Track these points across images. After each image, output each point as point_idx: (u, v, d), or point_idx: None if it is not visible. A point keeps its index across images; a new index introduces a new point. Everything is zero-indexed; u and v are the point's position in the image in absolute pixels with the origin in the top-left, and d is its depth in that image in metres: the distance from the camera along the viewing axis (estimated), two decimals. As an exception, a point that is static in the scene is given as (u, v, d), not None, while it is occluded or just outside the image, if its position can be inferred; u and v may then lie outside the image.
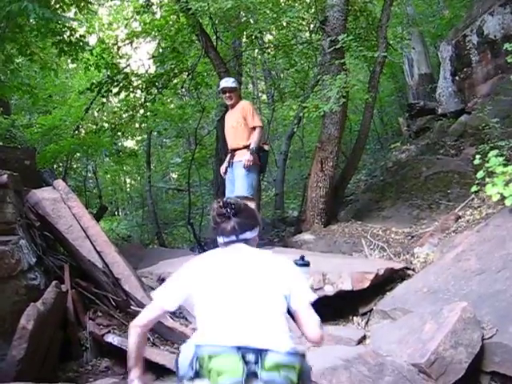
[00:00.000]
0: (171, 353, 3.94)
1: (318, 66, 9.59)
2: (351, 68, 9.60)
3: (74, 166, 13.96)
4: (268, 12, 8.58)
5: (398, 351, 3.47)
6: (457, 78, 10.61)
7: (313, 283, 2.45)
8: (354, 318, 4.62)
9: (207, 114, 13.57)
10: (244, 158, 5.77)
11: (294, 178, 14.84)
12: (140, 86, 9.95)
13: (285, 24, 9.34)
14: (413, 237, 6.36)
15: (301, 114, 8.24)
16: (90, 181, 15.54)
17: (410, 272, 5.13)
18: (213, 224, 2.26)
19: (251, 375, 1.85)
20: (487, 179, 4.75)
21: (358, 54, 7.36)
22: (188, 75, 10.03)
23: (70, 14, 8.98)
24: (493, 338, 3.32)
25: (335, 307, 4.51)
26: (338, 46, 6.94)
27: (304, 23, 10.67)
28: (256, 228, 2.28)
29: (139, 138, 16.06)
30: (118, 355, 4.04)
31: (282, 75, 13.77)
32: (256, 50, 12.04)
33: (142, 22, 10.15)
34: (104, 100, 10.68)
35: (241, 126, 5.88)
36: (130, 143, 17.07)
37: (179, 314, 4.52)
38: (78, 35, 8.55)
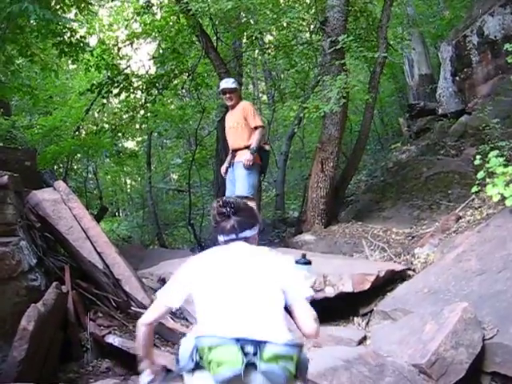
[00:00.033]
0: (172, 354, 3.93)
1: (318, 67, 9.60)
2: (351, 68, 9.60)
3: (75, 167, 13.96)
4: (268, 13, 8.60)
5: (399, 352, 3.47)
6: (457, 78, 10.61)
7: (315, 280, 2.48)
8: (355, 318, 4.62)
9: (207, 115, 13.59)
10: (244, 157, 5.77)
11: (295, 178, 14.85)
12: (140, 86, 9.96)
13: (285, 25, 9.35)
14: (413, 237, 6.36)
15: (301, 115, 8.24)
16: (91, 182, 15.55)
17: (410, 272, 5.13)
18: (213, 223, 2.33)
19: (250, 366, 1.90)
20: (488, 180, 4.75)
21: (359, 55, 7.37)
22: (188, 76, 10.05)
23: (71, 15, 9.00)
24: (493, 339, 3.32)
25: (336, 308, 4.51)
26: (338, 47, 6.94)
27: (304, 24, 10.67)
28: (255, 226, 2.33)
29: (139, 138, 16.10)
30: (119, 356, 4.05)
31: (282, 76, 13.79)
32: (256, 51, 12.06)
33: (143, 23, 10.16)
34: (104, 101, 10.70)
35: (241, 126, 5.88)
36: (130, 144, 17.10)
37: (180, 314, 4.53)
38: (78, 36, 8.57)
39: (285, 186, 12.06)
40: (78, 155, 12.33)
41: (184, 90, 11.85)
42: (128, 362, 4.01)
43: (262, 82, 17.51)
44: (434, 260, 5.21)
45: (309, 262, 2.54)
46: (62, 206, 4.73)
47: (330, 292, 4.48)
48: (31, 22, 7.31)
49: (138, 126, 12.73)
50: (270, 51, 11.14)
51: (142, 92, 10.05)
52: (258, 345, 1.93)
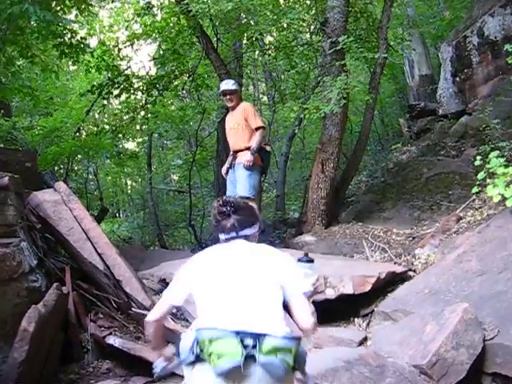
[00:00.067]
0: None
1: (318, 68, 9.60)
2: (352, 69, 9.60)
3: (75, 168, 13.97)
4: (268, 14, 8.60)
5: (400, 352, 3.46)
6: (457, 79, 10.61)
7: (318, 278, 2.51)
8: (355, 319, 4.61)
9: (208, 116, 13.60)
10: (244, 158, 5.77)
11: (295, 179, 14.86)
12: (141, 87, 9.97)
13: (285, 26, 9.35)
14: (414, 238, 6.36)
15: (301, 116, 8.23)
16: (91, 183, 15.56)
17: (411, 273, 5.13)
18: (214, 222, 2.40)
19: (249, 358, 1.96)
20: (488, 180, 4.75)
21: (359, 56, 7.37)
22: (189, 77, 10.05)
23: (71, 17, 9.01)
24: (494, 339, 3.31)
25: (336, 309, 4.51)
26: (338, 48, 6.94)
27: (304, 25, 10.68)
28: (255, 225, 2.41)
29: (140, 139, 16.09)
30: (120, 357, 4.05)
31: (282, 77, 13.79)
32: (257, 52, 12.05)
33: (143, 24, 10.17)
34: (105, 102, 10.70)
35: (242, 127, 5.87)
36: (130, 145, 17.11)
37: (180, 315, 4.53)
38: (78, 37, 8.57)
39: (285, 186, 12.06)
40: (79, 156, 12.34)
41: (184, 91, 11.86)
42: (128, 363, 4.02)
43: (262, 83, 17.51)
44: (435, 261, 5.20)
45: (311, 260, 2.60)
46: (62, 207, 4.74)
47: (330, 294, 4.48)
48: (32, 23, 7.32)
49: (138, 127, 12.72)
50: (270, 52, 11.13)
51: (143, 93, 10.06)
52: (258, 337, 1.98)
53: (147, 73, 11.27)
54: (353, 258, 6.14)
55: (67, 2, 7.84)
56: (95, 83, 9.98)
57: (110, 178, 17.56)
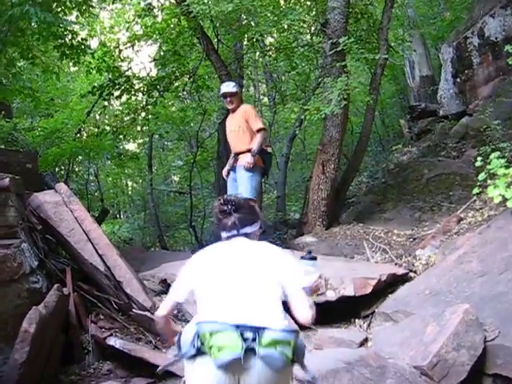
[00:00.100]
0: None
1: (319, 69, 9.60)
2: (352, 70, 9.61)
3: (76, 169, 13.99)
4: (269, 15, 8.60)
5: (400, 353, 3.46)
6: (458, 79, 10.61)
7: (320, 275, 2.56)
8: (356, 320, 4.62)
9: (208, 117, 13.60)
10: (245, 160, 5.77)
11: (296, 180, 14.86)
12: (141, 89, 9.98)
13: (286, 27, 9.33)
14: (415, 239, 6.36)
15: (302, 117, 8.24)
16: (92, 184, 15.57)
17: (411, 274, 5.13)
18: (216, 220, 2.49)
19: (249, 351, 2.01)
20: (489, 181, 4.75)
21: (359, 57, 7.38)
22: (189, 78, 10.07)
23: (72, 18, 9.00)
24: (495, 340, 3.31)
25: (337, 310, 4.51)
26: (339, 49, 6.94)
27: (305, 26, 10.68)
28: (256, 223, 2.47)
29: (141, 140, 16.10)
30: (120, 358, 4.05)
31: (283, 78, 13.80)
32: (257, 53, 12.05)
33: (144, 26, 10.18)
34: (106, 103, 10.71)
35: (243, 129, 5.87)
36: (131, 146, 17.14)
37: (181, 316, 4.53)
38: (79, 39, 8.57)
39: (286, 187, 12.06)
40: (80, 157, 12.36)
41: (185, 92, 11.86)
42: (129, 364, 4.02)
43: (262, 84, 17.51)
44: (436, 262, 5.21)
45: (314, 258, 2.65)
46: (63, 208, 4.74)
47: (331, 296, 4.49)
48: (32, 24, 7.32)
49: (139, 128, 12.72)
50: (270, 53, 11.14)
51: (143, 94, 10.07)
52: (257, 331, 2.03)
53: (148, 74, 11.26)
54: (353, 258, 6.14)
55: (68, 4, 7.84)
56: (96, 84, 9.98)
57: (110, 179, 17.57)
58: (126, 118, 10.40)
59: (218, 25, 9.26)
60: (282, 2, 10.25)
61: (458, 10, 13.66)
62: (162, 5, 9.88)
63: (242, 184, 5.79)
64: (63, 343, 4.07)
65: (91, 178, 15.13)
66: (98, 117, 14.11)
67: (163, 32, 9.71)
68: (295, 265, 2.37)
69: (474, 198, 6.34)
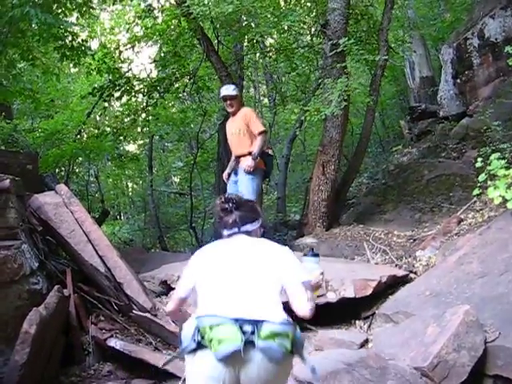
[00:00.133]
0: (174, 357, 3.94)
1: (319, 70, 9.61)
2: (352, 71, 9.62)
3: (76, 171, 13.99)
4: (269, 16, 8.61)
5: (401, 355, 3.46)
6: (458, 80, 10.61)
7: (323, 272, 2.60)
8: (357, 321, 4.61)
9: (209, 118, 13.61)
10: (245, 163, 5.78)
11: (296, 181, 14.86)
12: (142, 90, 9.98)
13: (286, 28, 9.35)
14: (415, 240, 6.35)
15: (302, 118, 8.24)
16: (92, 185, 15.57)
17: (412, 275, 5.13)
18: (217, 218, 2.57)
19: (249, 344, 2.06)
20: (489, 182, 4.74)
21: (359, 58, 7.38)
22: (190, 79, 10.07)
23: (72, 19, 8.99)
24: (496, 341, 3.31)
25: (337, 311, 4.51)
26: (339, 50, 6.95)
27: (305, 27, 10.71)
28: (257, 221, 2.53)
29: (141, 142, 16.10)
30: (121, 359, 4.05)
31: (283, 79, 13.80)
32: (257, 54, 12.05)
33: (144, 27, 10.17)
34: (106, 104, 10.72)
35: (243, 133, 5.87)
36: (131, 147, 17.14)
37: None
38: (79, 40, 8.56)
39: (286, 188, 12.06)
40: (80, 158, 12.34)
41: (185, 93, 11.85)
42: (130, 366, 4.02)
43: (263, 85, 17.52)
44: (436, 263, 5.20)
45: (316, 255, 2.69)
46: (63, 209, 4.74)
47: (331, 297, 4.48)
48: (33, 26, 7.32)
49: (139, 130, 12.73)
50: (271, 54, 11.16)
51: (144, 95, 10.07)
52: (256, 324, 2.08)
53: (148, 75, 11.25)
54: (354, 260, 6.14)
55: (68, 5, 7.84)
56: (96, 85, 9.98)
57: (111, 180, 17.57)
58: (126, 119, 10.39)
59: (218, 26, 9.26)
60: (282, 3, 10.27)
61: (458, 11, 13.67)
62: (162, 6, 9.87)
63: (242, 186, 5.79)
64: (63, 344, 4.08)
65: (91, 179, 15.13)
66: (98, 118, 14.12)
67: (163, 33, 9.71)
68: (295, 260, 2.40)
69: (475, 199, 6.33)
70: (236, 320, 2.08)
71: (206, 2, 7.80)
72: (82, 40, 8.76)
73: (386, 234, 6.76)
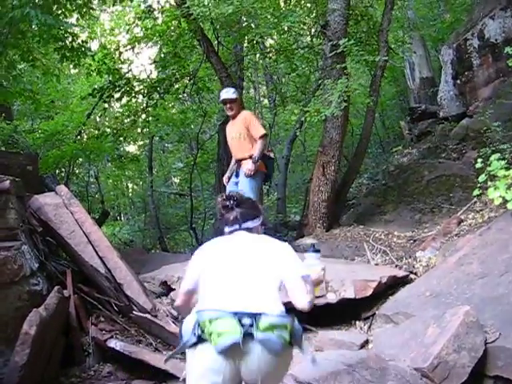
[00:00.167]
0: (174, 358, 3.93)
1: (319, 71, 9.61)
2: (352, 72, 9.61)
3: (77, 172, 14.00)
4: (269, 17, 8.61)
5: (401, 355, 3.46)
6: (458, 81, 10.62)
7: (324, 267, 2.65)
8: (357, 322, 4.61)
9: (209, 119, 13.63)
10: (246, 167, 5.79)
11: (296, 182, 14.87)
12: (142, 91, 9.98)
13: (286, 29, 9.36)
14: (415, 241, 6.35)
15: (302, 119, 8.24)
16: (92, 186, 15.57)
17: (412, 276, 5.12)
18: (218, 215, 2.61)
19: (248, 336, 2.10)
20: (489, 183, 4.74)
21: (359, 59, 7.38)
22: (190, 80, 10.07)
23: (72, 20, 9.02)
24: (496, 342, 3.30)
25: (337, 312, 4.51)
26: (339, 51, 6.96)
27: (305, 28, 10.72)
28: (257, 218, 2.59)
29: (141, 142, 16.10)
30: (121, 360, 4.05)
31: (283, 80, 13.80)
32: (257, 55, 12.07)
33: (144, 28, 10.18)
34: (106, 105, 10.73)
35: (243, 136, 5.88)
36: (131, 148, 17.13)
37: (181, 319, 4.52)
38: (79, 41, 8.57)
39: (286, 189, 12.07)
40: (80, 159, 12.36)
41: (185, 94, 11.85)
42: (130, 367, 4.02)
43: (263, 86, 17.52)
44: (436, 263, 5.20)
45: (318, 251, 2.76)
46: (63, 210, 4.74)
47: (331, 298, 4.48)
48: (33, 27, 7.33)
49: (139, 130, 12.73)
50: (271, 55, 11.17)
51: (144, 96, 10.07)
52: (254, 317, 2.12)
53: (148, 76, 11.26)
54: (354, 260, 6.13)
55: (68, 6, 7.85)
56: (96, 86, 9.99)
57: (111, 181, 17.59)
58: (126, 120, 10.39)
59: (218, 27, 9.27)
60: (282, 4, 10.27)
61: (457, 11, 13.69)
62: (162, 7, 9.87)
63: (242, 188, 5.80)
64: (64, 345, 4.07)
65: (92, 180, 15.14)
66: (98, 119, 14.12)
67: (163, 34, 9.71)
68: (294, 256, 2.44)
69: (475, 199, 6.33)
70: (235, 313, 2.12)
71: (205, 3, 7.80)
72: (82, 41, 8.77)
73: (386, 235, 6.76)
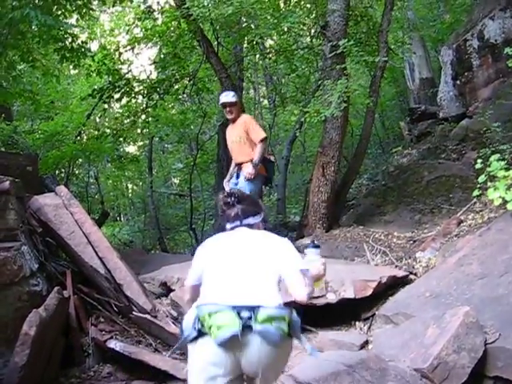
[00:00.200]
0: (174, 359, 3.93)
1: (319, 71, 9.62)
2: (352, 73, 9.61)
3: (76, 172, 13.99)
4: (269, 17, 8.60)
5: (401, 356, 3.46)
6: (458, 82, 10.62)
7: (324, 262, 2.68)
8: (357, 323, 4.61)
9: (208, 120, 13.63)
10: (246, 170, 5.80)
11: (296, 182, 14.86)
12: (141, 91, 9.98)
13: (286, 29, 9.36)
14: (415, 241, 6.35)
15: (302, 119, 8.25)
16: (92, 186, 15.57)
17: (412, 277, 5.12)
18: (220, 212, 2.67)
19: (246, 329, 2.14)
20: (489, 183, 4.74)
21: (359, 59, 7.37)
22: (189, 81, 10.07)
23: (72, 21, 9.03)
24: (496, 343, 3.30)
25: (337, 312, 4.51)
26: (338, 51, 6.95)
27: (305, 28, 10.71)
28: (258, 215, 2.62)
29: (141, 143, 16.11)
30: (121, 361, 4.04)
31: (283, 80, 13.80)
32: (257, 56, 12.07)
33: (144, 28, 10.18)
34: (106, 106, 10.72)
35: (243, 140, 5.89)
36: (131, 149, 17.12)
37: (181, 319, 4.52)
38: (79, 41, 8.58)
39: (286, 190, 12.06)
40: (80, 160, 12.36)
41: (185, 95, 11.86)
42: (130, 367, 4.01)
43: (262, 87, 17.52)
44: (436, 264, 5.20)
45: (318, 246, 2.79)
46: (63, 211, 4.74)
47: (331, 298, 4.48)
48: (33, 27, 7.34)
49: (139, 131, 12.74)
50: (270, 56, 11.16)
51: (144, 97, 10.07)
52: (253, 309, 2.16)
53: (148, 77, 11.26)
54: (354, 261, 6.13)
55: (68, 7, 7.85)
56: (96, 87, 10.00)
57: (110, 181, 17.58)
58: (126, 121, 10.39)
59: (217, 27, 9.27)
60: (281, 5, 10.27)
61: (457, 12, 13.69)
62: (161, 8, 9.88)
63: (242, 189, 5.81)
64: (63, 346, 4.07)
65: (91, 180, 15.13)
66: (98, 119, 14.13)
67: (163, 35, 9.71)
68: (293, 251, 2.48)
69: (474, 200, 6.33)
70: (234, 307, 2.16)
71: (205, 4, 7.81)
72: (82, 42, 8.78)
73: (386, 236, 6.75)
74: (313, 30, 10.70)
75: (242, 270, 2.35)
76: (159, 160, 18.50)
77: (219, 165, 11.05)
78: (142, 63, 23.32)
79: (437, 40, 14.51)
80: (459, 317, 3.36)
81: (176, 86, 10.33)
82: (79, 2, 7.93)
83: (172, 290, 5.09)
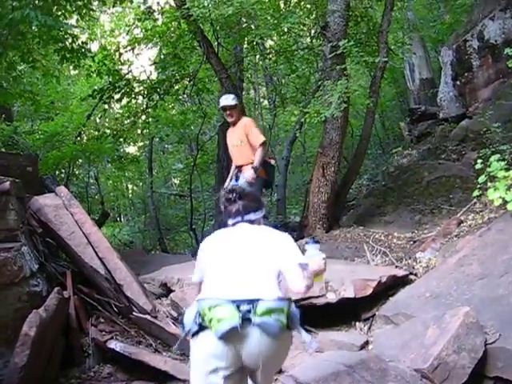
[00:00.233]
0: (174, 359, 3.93)
1: (319, 72, 9.61)
2: (352, 73, 9.61)
3: (76, 173, 13.99)
4: (269, 18, 8.61)
5: (401, 356, 3.46)
6: (458, 82, 10.62)
7: (325, 258, 2.70)
8: (357, 323, 4.61)
9: (209, 120, 13.62)
10: (246, 174, 5.81)
11: (296, 183, 14.86)
12: (142, 92, 9.99)
13: (286, 30, 9.36)
14: (415, 242, 6.35)
15: (302, 120, 8.24)
16: (92, 187, 15.57)
17: (412, 277, 5.12)
18: (222, 208, 2.69)
19: (246, 322, 2.18)
20: (489, 184, 4.73)
21: (359, 60, 7.37)
22: (189, 81, 10.07)
23: (72, 21, 9.04)
24: (496, 343, 3.30)
25: (337, 313, 4.51)
26: (338, 52, 6.95)
27: (305, 29, 10.71)
28: (260, 210, 2.67)
29: (141, 144, 16.11)
30: (121, 361, 4.04)
31: (283, 81, 13.79)
32: (257, 56, 12.06)
33: (144, 29, 10.18)
34: (106, 106, 10.73)
35: (244, 144, 5.91)
36: (131, 149, 17.12)
37: (181, 320, 4.52)
38: (79, 42, 8.58)
39: (286, 190, 12.05)
40: (80, 160, 12.36)
41: (185, 95, 11.86)
42: (130, 368, 4.01)
43: (262, 87, 17.53)
44: (436, 264, 5.20)
45: (318, 242, 2.81)
46: (63, 211, 4.74)
47: (331, 298, 4.48)
48: (33, 28, 7.33)
49: (139, 132, 12.73)
50: (270, 56, 11.16)
51: (144, 97, 10.08)
52: (252, 303, 2.20)
53: (148, 77, 11.25)
54: (354, 261, 6.13)
55: (68, 7, 7.85)
56: (96, 88, 10.00)
57: (111, 182, 17.58)
58: (126, 121, 10.40)
59: (218, 28, 9.27)
60: (282, 6, 10.27)
61: (457, 12, 13.68)
62: (162, 8, 9.88)
63: None
64: (63, 346, 4.07)
65: (91, 181, 15.13)
66: (98, 120, 14.14)
67: (163, 35, 9.71)
68: (293, 245, 2.52)
69: (474, 200, 6.33)
70: (233, 301, 2.21)
71: (205, 4, 7.81)
72: (82, 42, 8.78)
73: (386, 236, 6.75)
74: (313, 31, 10.71)
75: (242, 265, 2.39)
76: (159, 160, 18.50)
77: (219, 165, 11.05)
78: (142, 64, 23.20)
79: (437, 40, 14.51)
80: (459, 317, 3.36)
81: (176, 87, 10.33)
82: (79, 3, 7.93)
83: (172, 291, 5.09)
